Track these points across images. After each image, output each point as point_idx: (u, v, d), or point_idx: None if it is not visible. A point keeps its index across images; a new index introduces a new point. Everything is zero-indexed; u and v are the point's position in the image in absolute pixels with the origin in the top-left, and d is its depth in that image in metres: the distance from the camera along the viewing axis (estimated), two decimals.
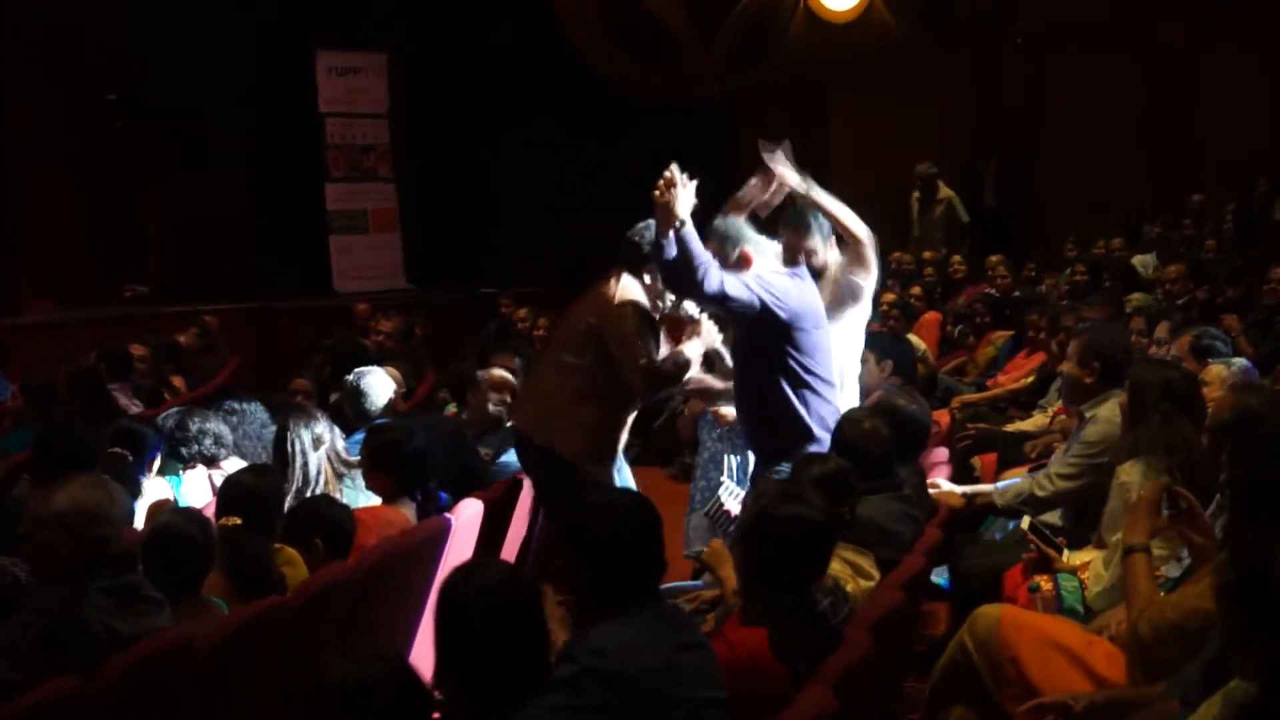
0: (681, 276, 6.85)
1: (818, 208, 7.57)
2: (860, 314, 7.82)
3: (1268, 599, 3.52)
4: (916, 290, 14.90)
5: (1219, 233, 15.74)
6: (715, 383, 7.84)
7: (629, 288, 7.28)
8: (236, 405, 8.37)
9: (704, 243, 6.86)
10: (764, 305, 6.95)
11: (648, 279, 7.30)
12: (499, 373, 8.98)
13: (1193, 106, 21.21)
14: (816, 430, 7.10)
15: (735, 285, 6.87)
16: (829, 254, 7.68)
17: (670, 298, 7.38)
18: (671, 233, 6.70)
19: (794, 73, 18.28)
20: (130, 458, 7.45)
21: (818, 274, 7.57)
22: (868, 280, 7.67)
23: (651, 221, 7.11)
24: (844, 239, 7.63)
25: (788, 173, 7.57)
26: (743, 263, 7.14)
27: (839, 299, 7.61)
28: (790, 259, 7.47)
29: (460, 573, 4.21)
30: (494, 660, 4.03)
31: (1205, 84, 21.22)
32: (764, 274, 7.08)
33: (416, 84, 20.22)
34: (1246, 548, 3.69)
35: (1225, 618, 3.78)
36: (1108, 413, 7.16)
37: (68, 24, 17.60)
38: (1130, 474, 6.32)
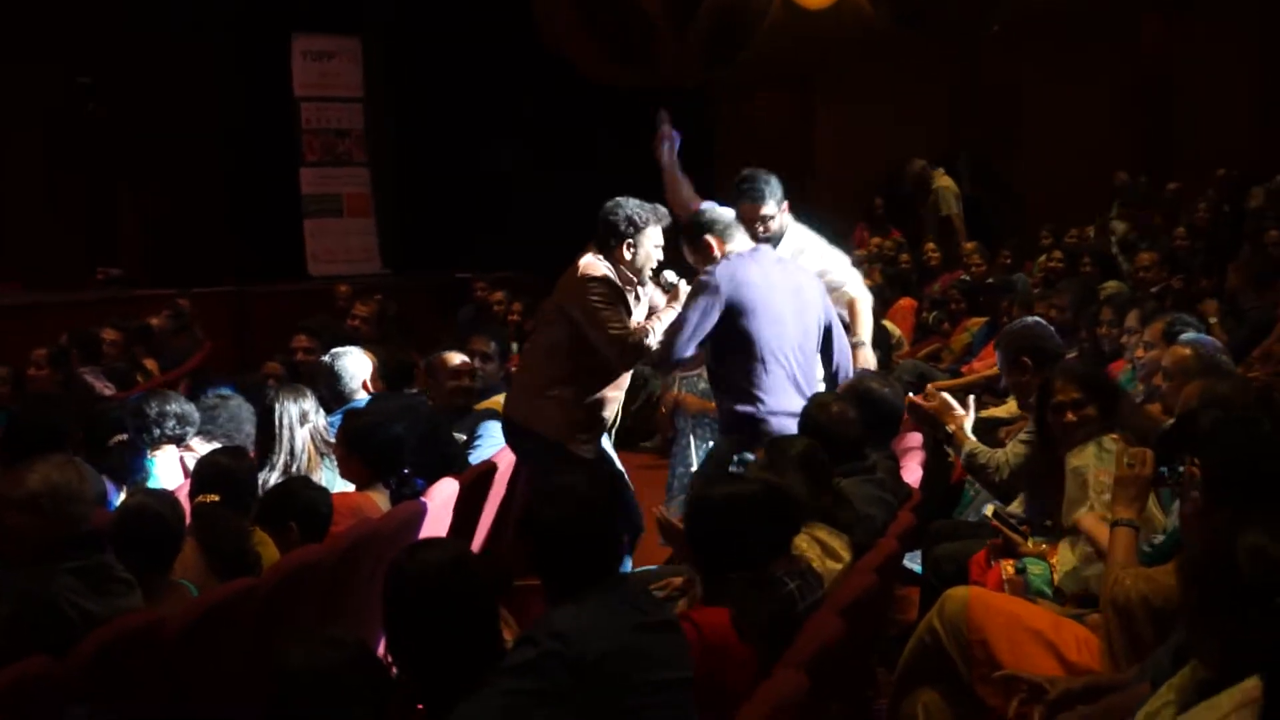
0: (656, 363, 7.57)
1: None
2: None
3: (1227, 581, 3.53)
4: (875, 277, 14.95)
5: (1193, 222, 15.78)
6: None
7: (592, 264, 7.37)
8: (220, 393, 8.36)
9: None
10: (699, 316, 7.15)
11: (628, 254, 7.38)
12: (450, 356, 8.93)
13: (1169, 99, 21.31)
14: (765, 402, 7.27)
15: (674, 338, 7.20)
16: (783, 218, 7.93)
17: (647, 272, 7.49)
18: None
19: (772, 62, 18.28)
20: (134, 442, 7.44)
21: (775, 239, 7.82)
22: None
23: (621, 199, 7.35)
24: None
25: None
26: (707, 249, 7.35)
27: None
28: (749, 230, 7.61)
29: (406, 552, 4.21)
30: (440, 641, 4.02)
31: (1182, 77, 21.32)
32: (705, 275, 7.24)
33: (391, 68, 20.29)
34: (1209, 529, 3.71)
35: (1186, 598, 3.80)
36: None
37: (40, 6, 17.54)
38: (1081, 458, 6.35)
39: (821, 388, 7.47)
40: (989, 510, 6.83)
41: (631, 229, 7.36)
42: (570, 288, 7.37)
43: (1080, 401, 6.48)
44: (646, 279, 7.53)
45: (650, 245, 7.43)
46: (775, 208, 7.86)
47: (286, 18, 19.18)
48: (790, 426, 6.93)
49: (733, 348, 7.28)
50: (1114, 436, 6.31)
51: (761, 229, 7.77)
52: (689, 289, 7.36)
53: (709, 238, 7.37)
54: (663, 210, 7.53)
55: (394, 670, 4.15)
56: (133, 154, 18.70)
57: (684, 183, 8.25)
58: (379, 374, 8.82)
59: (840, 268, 8.15)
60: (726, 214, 7.52)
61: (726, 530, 4.93)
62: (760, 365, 7.26)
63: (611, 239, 7.38)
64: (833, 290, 7.90)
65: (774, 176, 7.92)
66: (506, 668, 4.04)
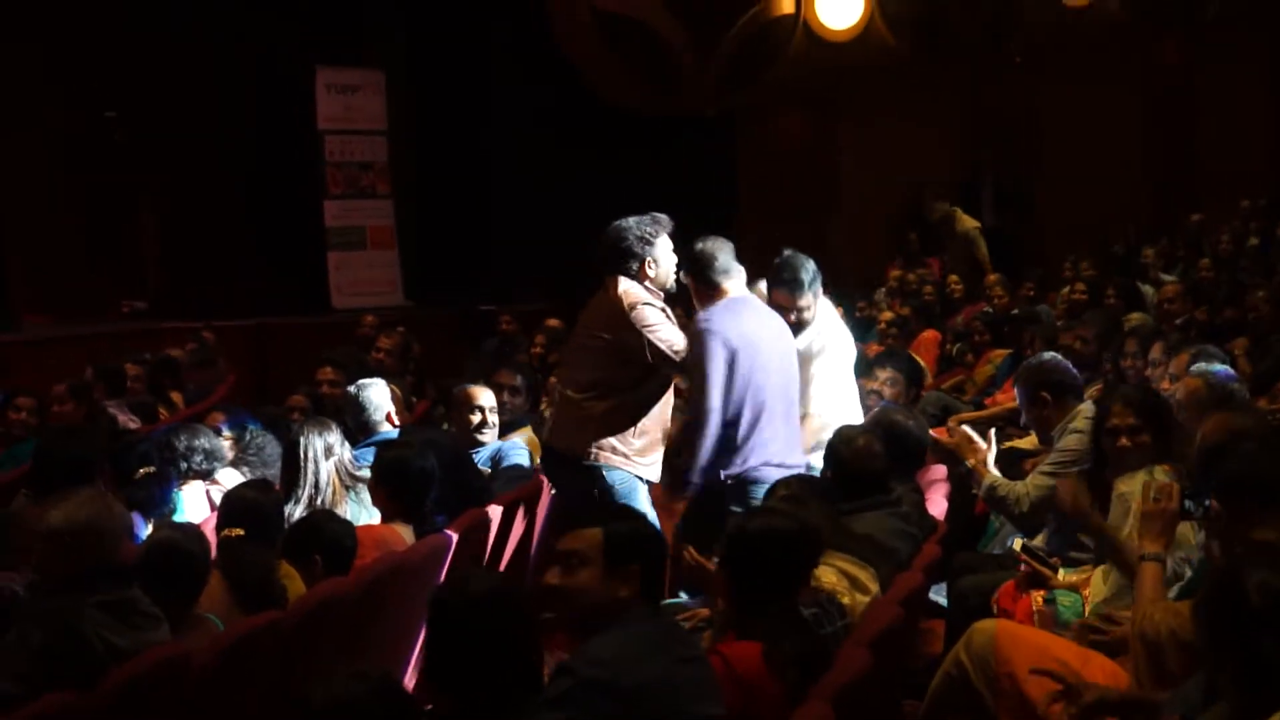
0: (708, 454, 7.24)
1: None
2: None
3: (1235, 622, 3.53)
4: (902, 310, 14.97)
5: (1216, 252, 15.76)
6: None
7: (631, 291, 7.36)
8: (246, 425, 8.38)
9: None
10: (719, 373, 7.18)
11: (651, 271, 7.41)
12: (474, 391, 8.88)
13: (1191, 126, 21.28)
14: (753, 450, 7.25)
15: (705, 405, 7.17)
16: (819, 305, 7.87)
17: (672, 280, 7.54)
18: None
19: (794, 88, 18.30)
20: (161, 475, 7.45)
21: (805, 326, 7.78)
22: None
23: (620, 223, 7.41)
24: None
25: None
26: (713, 289, 7.37)
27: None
28: (784, 316, 7.64)
29: (449, 583, 4.21)
30: (482, 671, 4.02)
31: (1203, 103, 21.30)
32: (703, 322, 7.26)
33: (415, 101, 20.34)
34: (1220, 566, 3.72)
35: (1200, 633, 3.80)
36: (1079, 423, 7.33)
37: (68, 40, 17.61)
38: (1130, 484, 6.36)
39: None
40: (1017, 544, 6.81)
41: (646, 246, 7.38)
42: (618, 320, 7.32)
43: (1136, 428, 6.52)
44: (673, 286, 7.56)
45: (666, 255, 7.47)
46: (811, 299, 7.80)
47: (311, 51, 19.26)
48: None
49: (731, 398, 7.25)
50: (1165, 467, 6.32)
51: (794, 318, 7.73)
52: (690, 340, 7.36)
53: (715, 278, 7.36)
54: (663, 217, 7.52)
55: (423, 703, 4.14)
56: (158, 187, 18.76)
57: None
58: (403, 406, 8.83)
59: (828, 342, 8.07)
60: (727, 252, 7.49)
61: (763, 563, 4.93)
62: (753, 417, 7.25)
63: (631, 262, 7.39)
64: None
65: (812, 264, 7.82)
66: (546, 699, 4.05)
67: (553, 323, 14.66)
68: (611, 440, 7.34)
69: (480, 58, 19.66)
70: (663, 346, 7.25)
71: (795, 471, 6.96)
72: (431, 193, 20.59)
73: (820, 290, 7.88)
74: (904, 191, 19.26)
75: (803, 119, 18.67)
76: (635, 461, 7.38)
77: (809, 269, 7.77)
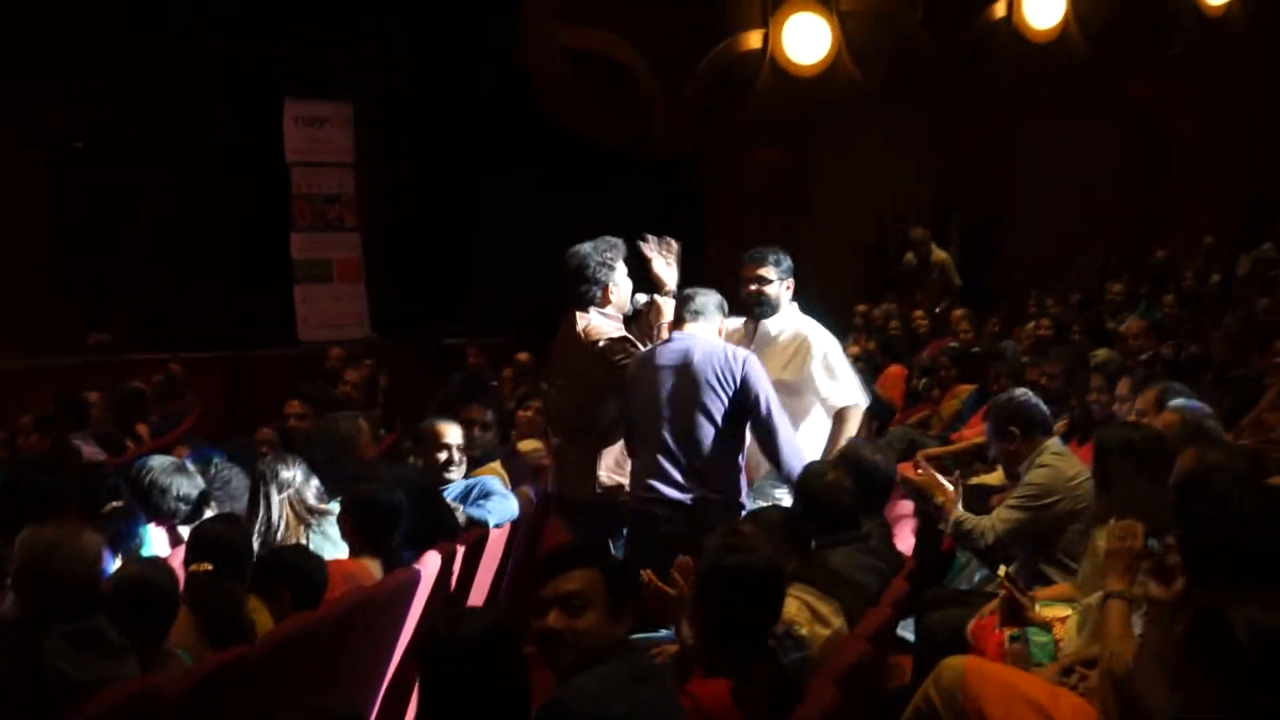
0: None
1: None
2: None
3: (1224, 663, 3.54)
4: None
5: (1180, 289, 15.85)
6: None
7: (593, 325, 7.47)
8: (222, 463, 8.36)
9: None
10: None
11: (614, 296, 7.55)
12: (441, 427, 8.84)
13: (1160, 162, 21.42)
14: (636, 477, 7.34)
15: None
16: (780, 288, 7.95)
17: (640, 298, 7.65)
18: None
19: (762, 125, 18.35)
20: (129, 509, 7.43)
21: (768, 301, 7.92)
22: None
23: (577, 250, 7.50)
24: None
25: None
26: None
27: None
28: (743, 288, 7.92)
29: (445, 620, 4.20)
30: (475, 708, 4.02)
31: (1173, 139, 21.44)
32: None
33: (382, 134, 20.33)
34: (1195, 606, 3.72)
35: (1182, 669, 3.80)
36: (1045, 458, 7.39)
37: (35, 72, 17.57)
38: (1104, 539, 6.37)
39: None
40: (1001, 571, 6.83)
41: (608, 272, 7.46)
42: (585, 355, 7.43)
43: None
44: (630, 309, 7.67)
45: (625, 278, 7.58)
46: (774, 274, 7.90)
47: (279, 83, 19.23)
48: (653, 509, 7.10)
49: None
50: None
51: (754, 288, 7.89)
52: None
53: (683, 313, 7.40)
54: (618, 241, 7.61)
55: None
56: (125, 219, 18.72)
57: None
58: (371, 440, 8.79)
59: (829, 383, 8.08)
60: (706, 299, 7.49)
61: (739, 600, 4.93)
62: (636, 449, 7.36)
63: (594, 289, 7.47)
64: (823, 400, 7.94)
65: (787, 256, 7.98)
66: None
67: (522, 357, 14.67)
68: (615, 476, 7.40)
69: (448, 91, 19.66)
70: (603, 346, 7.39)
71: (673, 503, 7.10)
72: (398, 225, 20.58)
73: (789, 281, 7.98)
74: (875, 226, 19.38)
75: (772, 154, 18.70)
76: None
77: (779, 253, 7.98)
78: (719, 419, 7.21)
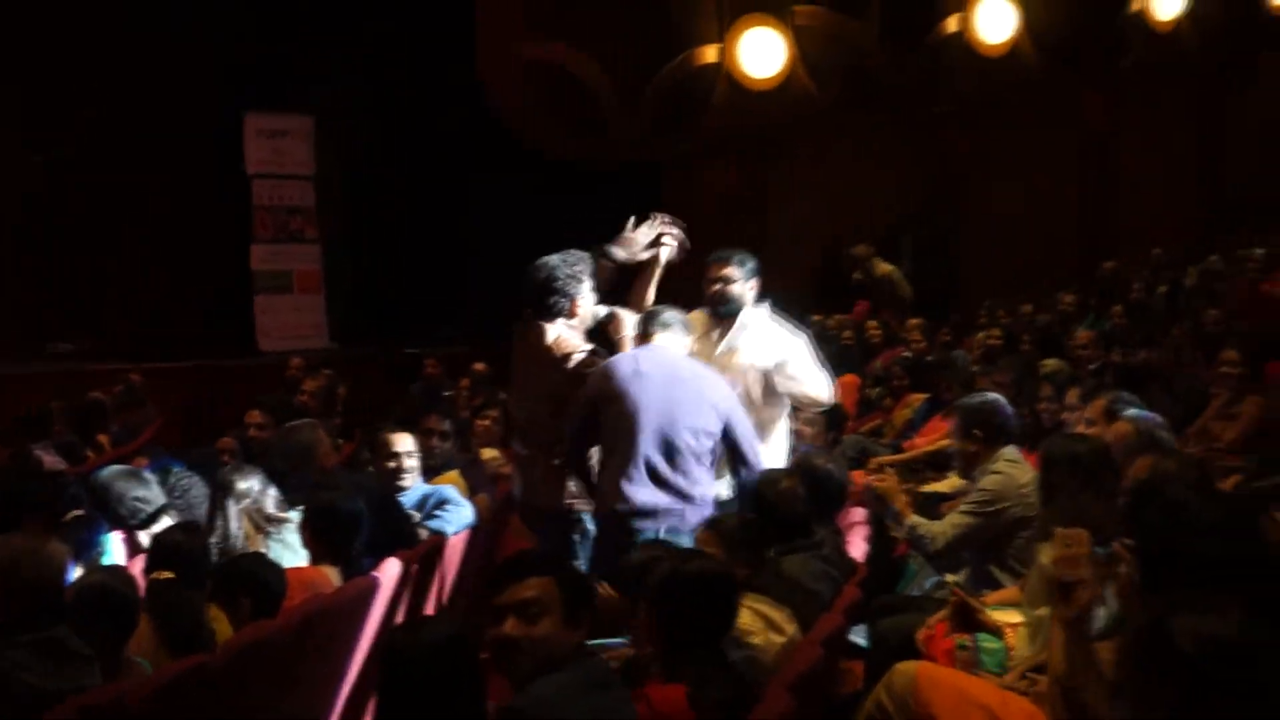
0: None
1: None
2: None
3: (1164, 671, 3.55)
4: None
5: (1128, 300, 15.94)
6: None
7: (561, 339, 7.48)
8: (182, 472, 8.36)
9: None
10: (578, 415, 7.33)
11: (581, 309, 7.56)
12: (394, 437, 8.84)
13: (1113, 177, 21.58)
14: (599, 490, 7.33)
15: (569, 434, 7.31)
16: (744, 288, 7.97)
17: (601, 310, 7.66)
18: None
19: (719, 139, 18.39)
20: (91, 518, 7.43)
21: (731, 299, 7.93)
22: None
23: (546, 262, 7.50)
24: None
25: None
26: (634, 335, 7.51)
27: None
28: (706, 286, 7.97)
29: (405, 629, 4.21)
30: (435, 716, 4.02)
31: (1125, 153, 21.61)
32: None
33: (343, 147, 20.28)
34: (1147, 614, 3.72)
35: (1128, 679, 3.82)
36: (1000, 465, 7.43)
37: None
38: (1049, 555, 6.41)
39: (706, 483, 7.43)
40: (950, 578, 6.88)
41: (576, 284, 7.48)
42: (554, 369, 7.44)
43: None
44: (593, 321, 7.68)
45: (590, 289, 7.60)
46: (738, 274, 7.93)
47: (240, 96, 19.19)
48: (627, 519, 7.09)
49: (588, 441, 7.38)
50: None
51: (718, 287, 7.93)
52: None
53: (651, 329, 7.44)
54: (581, 253, 7.64)
55: None
56: (87, 230, 18.66)
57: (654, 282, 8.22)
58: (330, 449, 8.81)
59: (799, 367, 8.11)
60: (671, 315, 7.55)
61: (693, 607, 4.96)
62: (608, 457, 7.31)
63: (563, 301, 7.48)
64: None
65: (751, 258, 8.03)
66: None
67: (479, 367, 14.67)
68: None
69: (407, 104, 19.67)
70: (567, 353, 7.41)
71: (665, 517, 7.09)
72: (358, 237, 20.56)
73: (752, 280, 8.00)
74: (831, 241, 19.44)
75: (729, 168, 18.73)
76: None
77: (744, 254, 8.03)
78: (704, 431, 7.25)
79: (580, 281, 7.51)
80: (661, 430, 7.20)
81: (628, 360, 7.33)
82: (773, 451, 7.83)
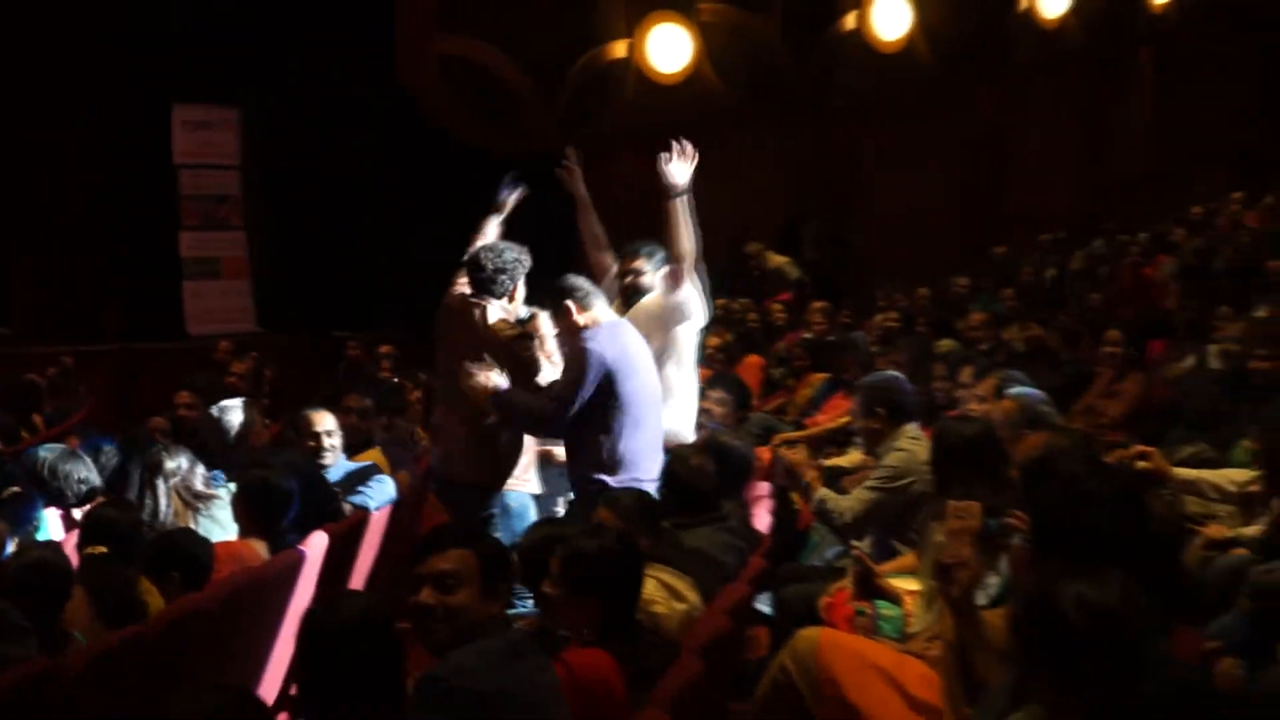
0: (535, 429, 7.41)
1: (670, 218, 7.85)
2: (690, 327, 8.16)
3: (1050, 638, 3.59)
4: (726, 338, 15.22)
5: (1018, 283, 16.07)
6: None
7: (501, 319, 7.53)
8: (111, 450, 8.32)
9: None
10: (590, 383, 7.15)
11: (520, 294, 7.63)
12: (315, 415, 8.83)
13: (1000, 167, 21.76)
14: (622, 462, 7.29)
15: (571, 399, 7.17)
16: (654, 279, 8.10)
17: (523, 310, 7.70)
18: (495, 407, 7.23)
19: (628, 132, 18.41)
20: (26, 495, 7.38)
21: (642, 290, 8.10)
22: (680, 295, 7.95)
23: (493, 245, 7.65)
24: (672, 255, 7.91)
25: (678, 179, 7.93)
26: (566, 313, 7.38)
27: (666, 321, 7.97)
28: (619, 278, 8.17)
29: (323, 606, 4.19)
30: (354, 687, 4.01)
31: (1013, 145, 21.81)
32: (589, 340, 7.25)
33: (268, 138, 20.17)
34: (1033, 586, 3.77)
35: (1017, 649, 3.86)
36: (903, 442, 7.47)
37: None
38: (941, 533, 6.48)
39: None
40: (856, 545, 6.94)
41: (520, 271, 7.52)
42: (490, 346, 7.41)
43: None
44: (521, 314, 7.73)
45: (523, 285, 7.66)
46: (647, 266, 8.13)
47: (168, 89, 19.06)
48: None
49: (607, 413, 7.30)
50: None
51: (629, 280, 8.14)
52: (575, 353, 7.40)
53: (568, 303, 7.40)
54: (522, 247, 7.71)
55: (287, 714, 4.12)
56: (20, 218, 18.47)
57: (592, 212, 8.28)
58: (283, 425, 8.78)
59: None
60: (585, 281, 7.58)
61: (626, 578, 5.00)
62: (627, 432, 7.31)
63: (507, 283, 7.52)
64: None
65: (660, 249, 8.10)
66: (416, 705, 4.05)
67: (385, 349, 14.69)
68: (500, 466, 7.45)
69: (329, 96, 19.57)
70: (532, 373, 7.42)
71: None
72: (282, 225, 20.45)
73: (661, 271, 8.10)
74: (738, 228, 19.50)
75: (637, 160, 18.74)
76: (523, 480, 7.63)
77: (654, 246, 8.16)
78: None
79: (522, 272, 7.56)
80: (655, 402, 7.47)
81: (623, 333, 7.42)
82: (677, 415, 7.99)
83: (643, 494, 6.28)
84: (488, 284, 7.52)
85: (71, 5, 18.02)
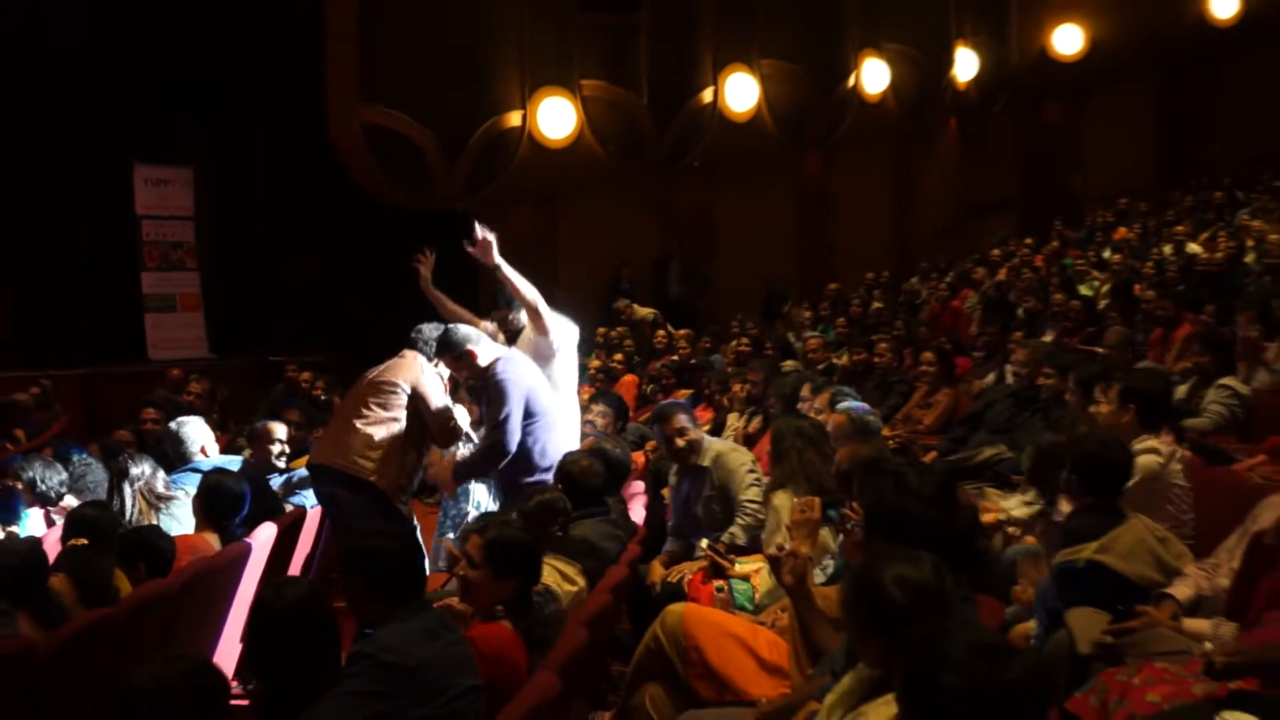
0: (498, 460, 7.42)
1: (507, 282, 7.88)
2: (562, 360, 8.16)
3: (876, 611, 3.65)
4: (619, 357, 15.27)
5: (849, 313, 16.20)
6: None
7: (426, 369, 7.61)
8: (81, 458, 8.28)
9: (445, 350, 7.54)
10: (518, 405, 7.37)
11: (440, 368, 7.68)
12: (273, 426, 8.87)
13: (829, 218, 22.20)
14: (540, 463, 7.44)
15: (509, 424, 7.33)
16: (521, 318, 8.26)
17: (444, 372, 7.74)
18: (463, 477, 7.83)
19: (523, 189, 18.43)
20: (9, 493, 7.33)
21: (517, 332, 8.28)
22: (550, 337, 8.03)
23: (458, 327, 7.66)
24: (523, 307, 8.06)
25: (494, 254, 7.81)
26: (469, 356, 7.46)
27: (539, 355, 7.98)
28: (501, 326, 8.38)
29: (271, 588, 4.17)
30: (295, 659, 3.99)
31: (840, 201, 22.20)
32: (502, 373, 7.40)
33: (218, 193, 20.19)
34: (860, 568, 3.81)
35: (848, 623, 3.91)
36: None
37: None
38: (779, 499, 6.55)
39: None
40: (704, 543, 6.98)
41: (461, 348, 7.51)
42: (417, 383, 7.53)
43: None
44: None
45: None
46: (521, 315, 8.26)
47: (130, 150, 19.00)
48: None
49: (532, 425, 7.46)
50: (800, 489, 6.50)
51: (512, 324, 8.37)
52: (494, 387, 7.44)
53: (471, 349, 7.45)
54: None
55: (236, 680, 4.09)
56: (4, 260, 18.19)
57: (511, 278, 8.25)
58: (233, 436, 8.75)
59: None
60: (471, 329, 7.65)
61: (536, 562, 5.04)
62: (549, 437, 7.52)
63: (448, 353, 7.55)
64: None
65: (520, 304, 8.21)
66: (345, 675, 4.03)
67: (305, 375, 14.60)
68: (394, 466, 7.39)
69: (270, 158, 19.53)
70: (438, 414, 7.51)
71: None
72: (230, 266, 20.42)
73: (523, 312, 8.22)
74: (613, 271, 19.61)
75: (529, 212, 18.75)
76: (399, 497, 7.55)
77: (515, 300, 8.19)
78: None
79: (467, 349, 7.51)
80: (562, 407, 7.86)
81: (520, 361, 7.65)
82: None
83: (561, 495, 6.35)
84: (441, 347, 7.63)
85: (59, 76, 18.06)
